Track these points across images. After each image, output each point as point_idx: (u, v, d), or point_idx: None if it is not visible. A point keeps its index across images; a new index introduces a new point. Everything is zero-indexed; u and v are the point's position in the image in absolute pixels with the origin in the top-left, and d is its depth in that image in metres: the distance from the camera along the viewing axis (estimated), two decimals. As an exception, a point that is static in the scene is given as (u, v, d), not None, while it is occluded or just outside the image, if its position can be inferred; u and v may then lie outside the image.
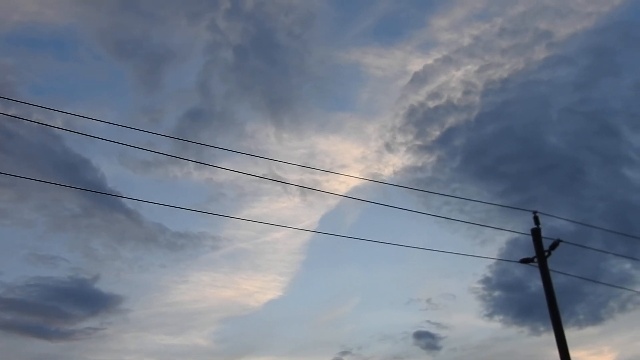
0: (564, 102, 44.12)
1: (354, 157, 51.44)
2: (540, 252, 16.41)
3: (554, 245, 16.39)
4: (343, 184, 44.07)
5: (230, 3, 48.36)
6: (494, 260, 44.80)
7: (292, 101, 50.90)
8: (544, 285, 16.06)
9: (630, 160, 41.10)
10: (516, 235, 17.92)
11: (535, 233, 16.69)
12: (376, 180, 21.71)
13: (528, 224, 17.17)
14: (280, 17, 50.09)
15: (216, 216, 15.18)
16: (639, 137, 42.38)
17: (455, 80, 47.24)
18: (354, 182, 47.04)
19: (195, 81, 53.75)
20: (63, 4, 50.43)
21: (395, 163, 48.19)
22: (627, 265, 31.40)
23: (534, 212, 16.87)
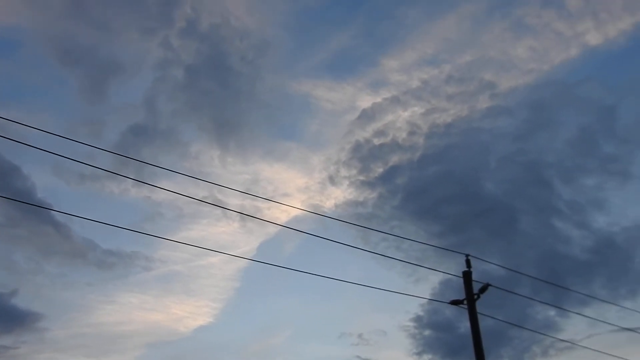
0: (503, 151, 45.83)
1: (297, 186, 51.66)
2: (469, 294, 16.86)
3: (483, 289, 16.87)
4: (284, 212, 44.07)
5: (186, 22, 48.22)
6: (426, 300, 45.36)
7: (240, 126, 50.83)
8: (472, 327, 16.46)
9: (559, 211, 42.89)
10: (449, 276, 18.36)
11: (466, 275, 17.15)
12: (316, 213, 21.88)
13: (461, 266, 17.59)
14: (235, 41, 50.27)
15: (151, 236, 14.92)
16: (569, 191, 44.37)
17: (402, 120, 48.43)
18: (295, 212, 47.16)
19: (142, 97, 53.03)
20: (10, 2, 49.13)
21: (337, 196, 48.65)
22: (552, 312, 32.53)
23: (466, 255, 17.36)
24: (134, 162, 13.73)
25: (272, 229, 51.27)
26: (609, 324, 22.27)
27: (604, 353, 21.53)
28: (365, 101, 52.01)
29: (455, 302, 17.14)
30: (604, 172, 45.11)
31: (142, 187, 45.93)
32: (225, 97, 49.43)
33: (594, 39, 49.84)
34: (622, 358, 21.72)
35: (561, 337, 26.10)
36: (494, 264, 18.77)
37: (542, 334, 24.91)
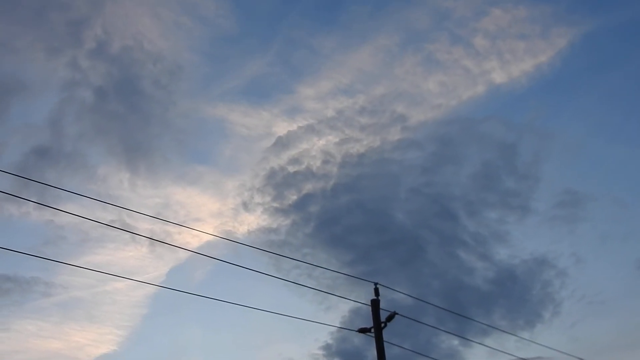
0: (411, 182, 47.29)
1: (210, 211, 50.79)
2: (377, 322, 17.08)
3: (390, 317, 17.14)
4: (196, 237, 43.10)
5: (96, 43, 46.69)
6: (335, 328, 45.62)
7: (151, 149, 49.54)
8: (378, 355, 16.64)
9: (464, 243, 44.59)
10: (359, 304, 18.55)
11: (374, 304, 17.38)
12: (228, 239, 21.56)
13: (370, 295, 17.77)
14: (148, 65, 49.24)
15: (52, 261, 14.03)
16: (474, 223, 46.28)
17: (316, 149, 48.99)
18: (207, 237, 46.19)
19: (46, 117, 50.55)
20: None
21: (250, 222, 48.24)
22: (455, 341, 33.54)
23: (375, 284, 17.62)
24: (36, 184, 13.01)
25: (183, 255, 50.01)
26: (508, 354, 23.18)
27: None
28: (281, 127, 52.29)
29: (363, 330, 17.30)
30: (505, 206, 47.53)
31: (44, 210, 43.64)
32: (136, 120, 48.17)
33: (499, 77, 52.90)
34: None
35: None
36: (401, 292, 19.17)
37: (446, 362, 25.60)
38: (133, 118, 48.16)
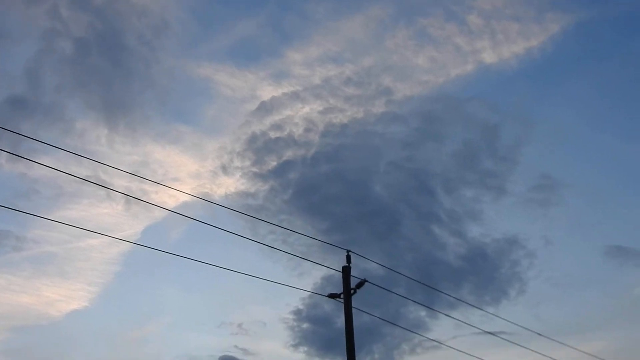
0: (392, 156, 47.58)
1: (189, 172, 50.64)
2: (347, 289, 17.41)
3: (360, 284, 17.48)
4: (172, 197, 43.00)
5: (78, -9, 45.90)
6: (307, 294, 46.33)
7: (131, 106, 48.98)
8: (346, 321, 17.01)
9: (439, 219, 45.21)
10: (331, 272, 18.83)
11: (345, 270, 17.68)
12: (206, 199, 21.62)
13: (343, 263, 18.03)
14: (132, 18, 48.39)
15: (25, 214, 13.84)
16: (450, 200, 46.88)
17: (299, 116, 48.94)
18: (184, 198, 46.13)
19: (24, 67, 49.40)
20: None
21: (228, 186, 48.27)
22: (423, 313, 34.27)
23: (348, 251, 17.90)
24: (10, 135, 12.84)
25: (159, 214, 49.95)
26: (473, 326, 23.82)
27: (466, 353, 23.00)
28: (266, 92, 51.96)
29: (332, 296, 17.63)
30: (482, 186, 48.16)
31: (17, 162, 43.03)
32: (117, 75, 47.43)
33: (489, 57, 53.00)
34: (480, 358, 23.33)
35: (430, 337, 27.57)
36: (373, 261, 19.51)
37: (413, 332, 26.21)
38: (114, 73, 47.45)
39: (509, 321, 24.30)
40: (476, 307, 26.37)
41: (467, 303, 25.79)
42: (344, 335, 17.09)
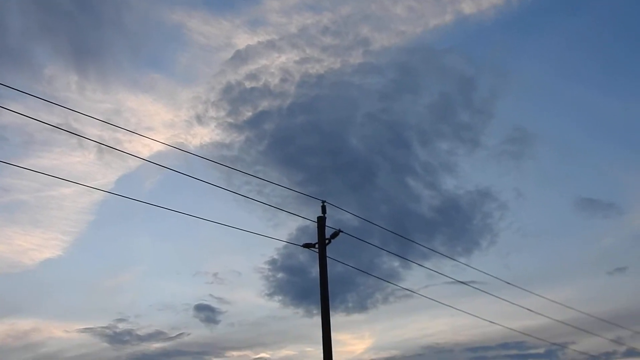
0: (369, 107, 47.40)
1: (163, 121, 49.87)
2: (321, 238, 17.52)
3: (334, 235, 17.60)
4: (146, 147, 42.36)
5: None
6: (282, 244, 46.78)
7: (101, 53, 47.68)
8: (320, 270, 17.18)
9: (414, 171, 45.55)
10: (307, 224, 18.87)
11: (320, 221, 17.76)
12: (180, 149, 21.30)
13: (318, 214, 18.12)
14: (100, -39, 46.70)
15: None
16: (425, 152, 47.16)
17: (275, 66, 48.20)
18: (158, 147, 45.51)
19: (-12, 10, 47.76)
20: None
21: (203, 136, 47.76)
22: (396, 263, 34.85)
23: (323, 202, 17.94)
24: None
25: (133, 163, 49.35)
26: (445, 275, 24.27)
27: (438, 302, 23.52)
28: (241, 40, 50.88)
29: (307, 245, 17.74)
30: (457, 139, 48.45)
31: (-15, 108, 41.78)
32: (86, 20, 45.96)
33: (468, 7, 52.47)
34: (451, 307, 23.90)
35: (403, 286, 28.09)
36: (348, 212, 19.58)
37: (387, 281, 26.65)
38: (83, 18, 45.96)
39: (480, 271, 24.84)
40: (448, 257, 26.85)
41: (439, 253, 26.21)
42: (319, 284, 17.28)
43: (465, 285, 25.46)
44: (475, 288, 25.17)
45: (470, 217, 45.40)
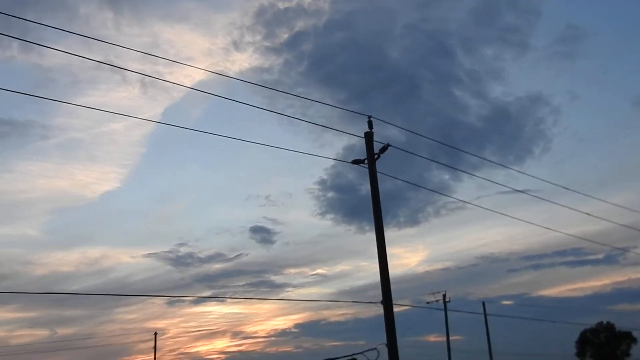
0: (407, 18, 45.79)
1: (200, 50, 49.63)
2: (370, 154, 17.33)
3: (383, 149, 17.37)
4: (188, 77, 42.32)
5: None
6: (330, 164, 46.71)
7: (134, -14, 46.95)
8: (371, 186, 17.09)
9: (460, 81, 44.34)
10: (352, 142, 18.76)
11: (368, 136, 17.51)
12: (222, 74, 21.00)
13: (363, 133, 17.80)
14: None
15: (46, 104, 13.57)
16: (470, 60, 45.60)
17: (308, -18, 46.56)
18: (200, 77, 45.55)
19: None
20: None
21: (242, 62, 47.37)
22: (446, 176, 34.58)
23: (369, 117, 17.61)
24: (17, 27, 12.26)
25: (176, 95, 49.77)
26: (499, 184, 23.90)
27: (492, 211, 23.30)
28: (271, -40, 49.17)
29: (356, 162, 17.59)
30: (503, 43, 46.63)
31: (30, 53, 42.25)
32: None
33: None
34: (507, 215, 23.66)
35: (456, 197, 27.83)
36: (394, 125, 19.24)
37: (439, 193, 26.59)
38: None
39: (535, 177, 24.33)
40: (501, 166, 26.37)
41: (491, 162, 25.78)
42: (369, 201, 17.24)
43: (518, 194, 25.15)
44: (533, 195, 24.76)
45: (522, 124, 44.34)
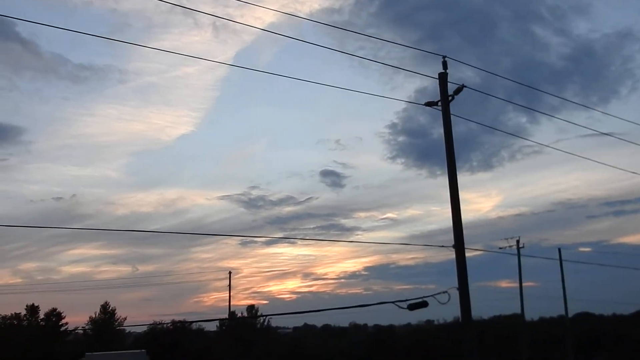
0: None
1: (269, -7, 49.12)
2: (444, 95, 16.82)
3: (457, 90, 16.82)
4: (258, 19, 42.15)
5: None
6: (401, 107, 45.86)
7: None
8: (444, 128, 16.67)
9: (540, 17, 42.00)
10: (425, 85, 18.35)
11: (442, 77, 16.97)
12: (295, 15, 20.82)
13: (437, 75, 17.22)
14: None
15: (122, 49, 13.91)
16: (553, -6, 42.95)
17: None
18: (270, 18, 45.25)
19: None
20: None
21: (312, 3, 46.62)
22: (523, 119, 33.32)
23: (443, 57, 17.02)
24: None
25: (247, 38, 49.87)
26: (582, 126, 22.84)
27: (572, 154, 22.35)
28: None
29: (430, 104, 17.16)
30: (590, -26, 43.43)
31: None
32: None
33: None
34: (590, 159, 22.60)
35: (533, 140, 26.86)
36: (470, 65, 18.56)
37: (516, 135, 25.87)
38: None
39: (621, 119, 23.03)
40: (583, 107, 25.12)
41: (573, 102, 24.58)
42: (441, 146, 16.87)
43: (601, 137, 24.10)
44: (618, 138, 23.47)
45: (608, 62, 41.80)
